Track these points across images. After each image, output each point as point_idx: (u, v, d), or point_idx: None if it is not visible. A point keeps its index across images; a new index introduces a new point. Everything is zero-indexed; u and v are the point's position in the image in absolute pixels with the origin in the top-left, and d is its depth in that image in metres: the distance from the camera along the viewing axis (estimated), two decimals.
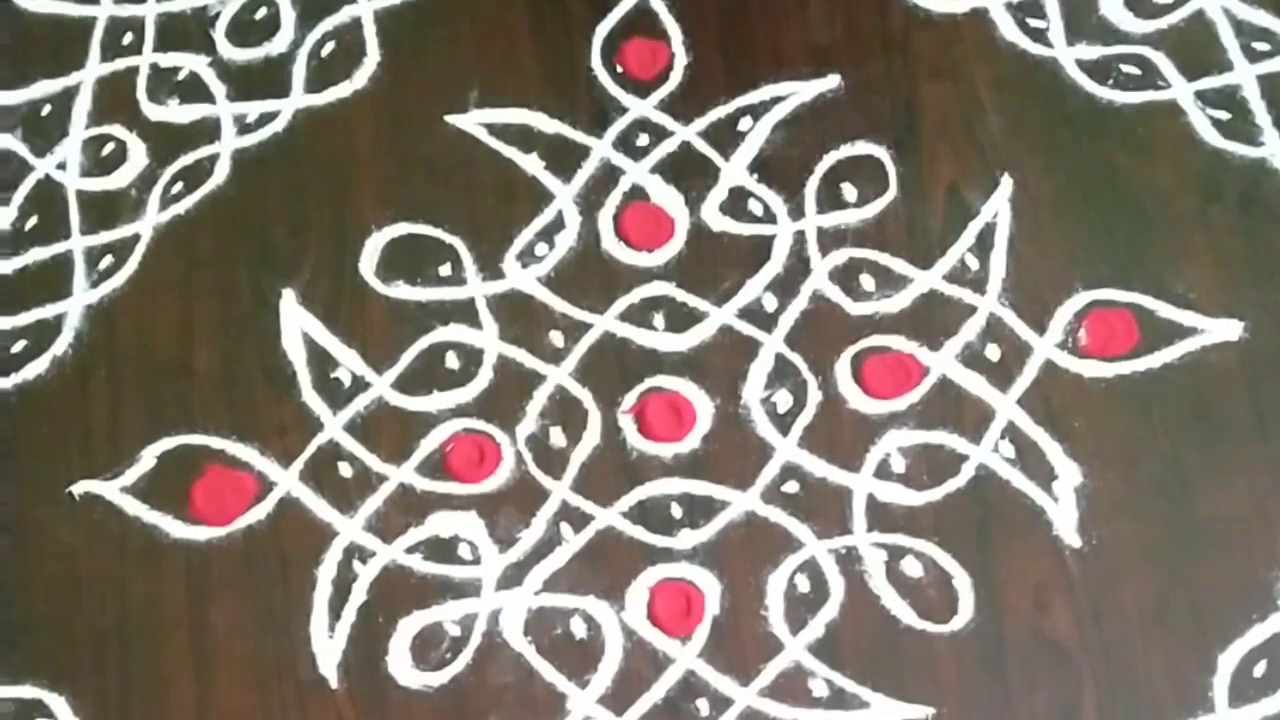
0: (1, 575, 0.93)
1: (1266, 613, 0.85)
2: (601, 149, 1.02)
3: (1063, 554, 0.88)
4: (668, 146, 1.02)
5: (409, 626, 0.90)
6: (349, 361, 0.97)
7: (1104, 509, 0.89)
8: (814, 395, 0.94)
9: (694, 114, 1.03)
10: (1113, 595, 0.87)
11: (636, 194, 1.01)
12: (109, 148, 1.06)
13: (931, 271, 0.97)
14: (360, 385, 0.96)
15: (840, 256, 0.98)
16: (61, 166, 1.06)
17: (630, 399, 0.95)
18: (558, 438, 0.94)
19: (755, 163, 1.01)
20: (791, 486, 0.91)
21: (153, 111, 1.07)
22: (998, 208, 0.98)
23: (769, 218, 0.99)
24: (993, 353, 0.94)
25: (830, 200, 0.99)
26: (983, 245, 0.97)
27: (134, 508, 0.94)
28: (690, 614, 0.88)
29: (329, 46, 1.06)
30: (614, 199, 1.01)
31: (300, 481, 0.94)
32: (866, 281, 0.97)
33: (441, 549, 0.91)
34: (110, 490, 0.94)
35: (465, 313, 0.97)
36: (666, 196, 1.00)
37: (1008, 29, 1.04)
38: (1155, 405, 0.92)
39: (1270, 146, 0.98)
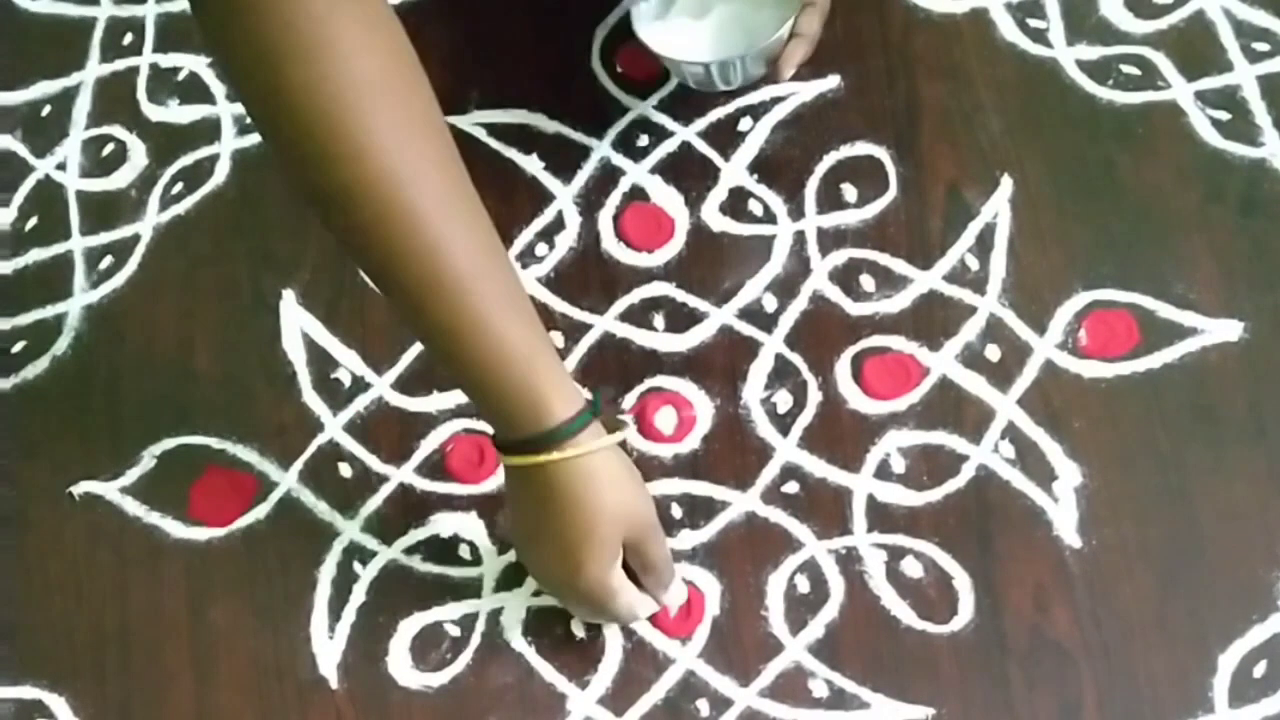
0: (1, 575, 0.93)
1: (1266, 613, 0.85)
2: (601, 149, 1.02)
3: (1063, 554, 0.88)
4: (668, 146, 1.02)
5: (409, 627, 0.90)
6: (349, 361, 0.97)
7: (1104, 509, 0.89)
8: (814, 395, 0.94)
9: (694, 114, 1.03)
10: (1113, 595, 0.87)
11: (636, 194, 1.01)
12: (109, 148, 1.06)
13: (931, 271, 0.97)
14: (360, 385, 0.96)
15: (840, 257, 0.97)
16: (61, 167, 1.06)
17: (630, 399, 0.95)
18: None
19: (755, 163, 1.01)
20: (791, 487, 0.91)
21: (153, 111, 1.07)
22: (998, 208, 0.98)
23: (769, 218, 0.99)
24: (993, 353, 0.94)
25: (830, 200, 0.99)
26: (983, 245, 0.97)
27: (134, 508, 0.94)
28: (690, 614, 0.88)
29: None
30: (614, 199, 1.01)
31: (300, 481, 0.94)
32: (866, 281, 0.97)
33: (441, 549, 0.91)
34: (110, 490, 0.95)
35: None
36: (666, 196, 1.00)
37: (1008, 29, 1.04)
38: (1155, 405, 0.91)
39: (1270, 146, 0.98)
